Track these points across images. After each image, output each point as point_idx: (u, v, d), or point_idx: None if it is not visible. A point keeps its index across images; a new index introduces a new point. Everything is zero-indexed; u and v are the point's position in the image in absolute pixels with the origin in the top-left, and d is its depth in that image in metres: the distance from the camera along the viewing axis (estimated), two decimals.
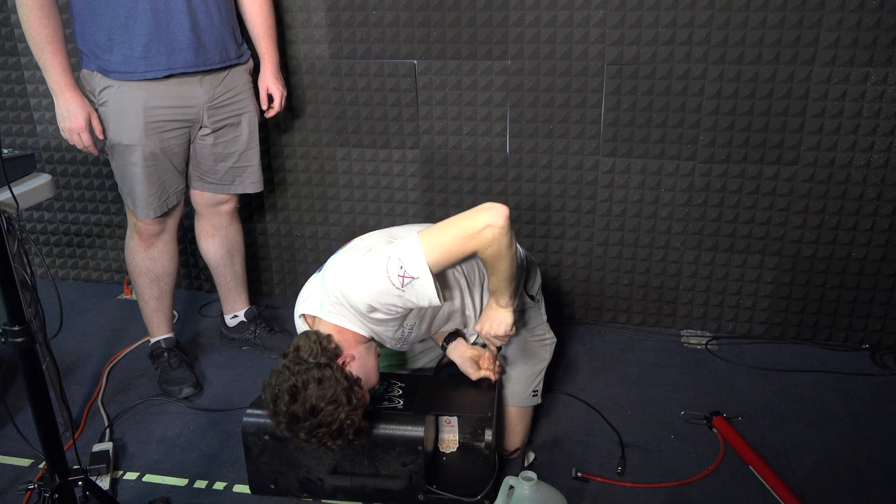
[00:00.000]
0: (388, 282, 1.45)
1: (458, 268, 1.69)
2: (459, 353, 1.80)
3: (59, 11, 1.84)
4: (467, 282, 1.72)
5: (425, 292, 1.46)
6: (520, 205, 2.41)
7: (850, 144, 2.10)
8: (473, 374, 1.79)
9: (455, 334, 1.82)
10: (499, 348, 1.75)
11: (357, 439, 1.50)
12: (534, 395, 1.88)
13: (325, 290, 1.57)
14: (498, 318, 1.64)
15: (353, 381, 1.47)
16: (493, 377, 1.77)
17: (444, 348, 1.83)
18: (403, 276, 1.44)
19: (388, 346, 1.68)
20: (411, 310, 1.55)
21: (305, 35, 2.36)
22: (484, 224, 1.46)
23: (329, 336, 1.52)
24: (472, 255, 1.52)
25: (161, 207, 2.05)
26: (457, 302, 1.72)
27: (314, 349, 1.47)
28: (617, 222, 2.37)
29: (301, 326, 1.66)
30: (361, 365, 1.52)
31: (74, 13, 1.89)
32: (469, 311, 1.78)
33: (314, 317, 1.60)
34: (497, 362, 1.80)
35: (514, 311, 1.65)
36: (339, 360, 1.49)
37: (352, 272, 1.50)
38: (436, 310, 1.67)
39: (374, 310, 1.49)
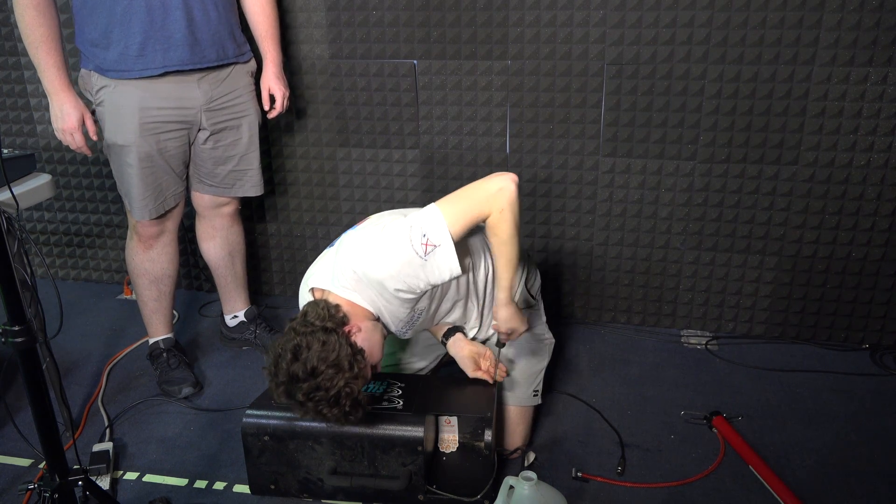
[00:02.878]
0: (411, 251, 1.47)
1: (467, 259, 1.70)
2: (459, 348, 1.80)
3: (57, 11, 1.84)
4: (472, 273, 1.73)
5: (447, 261, 1.49)
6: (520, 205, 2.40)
7: (850, 144, 2.10)
8: (471, 372, 1.79)
9: (454, 329, 1.82)
10: (501, 346, 1.75)
11: (353, 412, 1.47)
12: (534, 395, 1.88)
13: (339, 265, 1.56)
14: (510, 313, 1.65)
15: (357, 351, 1.47)
16: (489, 379, 1.77)
17: (443, 343, 1.83)
18: (426, 245, 1.47)
19: (392, 329, 1.66)
20: (430, 289, 1.55)
21: (305, 35, 2.37)
22: (497, 187, 1.52)
23: (338, 305, 1.52)
24: (483, 221, 1.55)
25: (157, 209, 2.04)
26: (462, 290, 1.73)
27: (322, 314, 1.48)
28: (617, 222, 2.37)
29: (308, 299, 1.64)
30: (367, 338, 1.52)
31: (73, 12, 1.89)
32: (471, 304, 1.78)
33: (323, 290, 1.59)
34: (501, 365, 1.79)
35: (513, 302, 1.66)
36: (346, 328, 1.48)
37: (374, 246, 1.52)
38: (444, 292, 1.68)
39: (395, 284, 1.50)
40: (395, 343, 2.07)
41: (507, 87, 2.27)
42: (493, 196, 1.52)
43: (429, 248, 1.48)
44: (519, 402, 1.85)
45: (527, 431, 1.88)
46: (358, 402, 1.47)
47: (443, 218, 1.49)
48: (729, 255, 2.32)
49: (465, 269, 1.67)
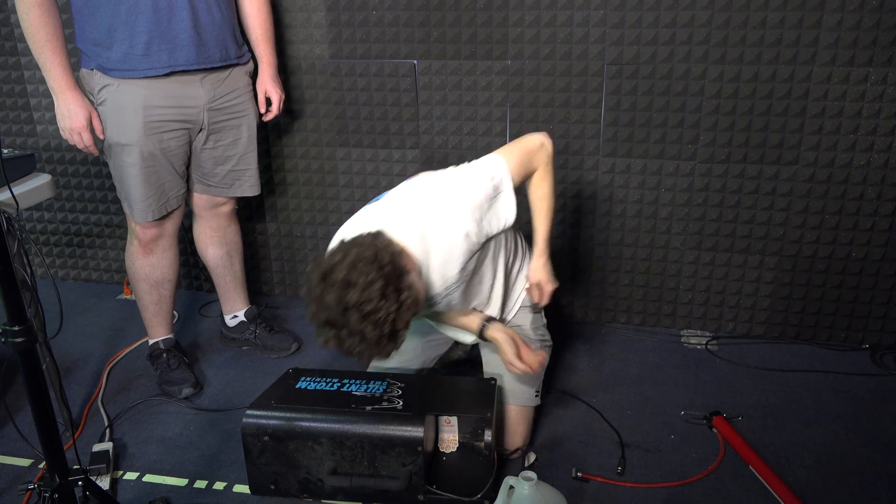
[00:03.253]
0: (482, 194, 1.56)
1: (492, 248, 1.73)
2: (499, 330, 1.74)
3: (59, 10, 1.84)
4: (493, 264, 1.78)
5: (508, 207, 1.60)
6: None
7: (850, 144, 2.09)
8: (510, 357, 1.71)
9: (491, 318, 1.80)
10: (536, 311, 1.89)
11: (389, 343, 1.37)
12: (536, 395, 1.88)
13: (397, 210, 1.55)
14: (542, 264, 1.80)
15: (408, 286, 1.39)
16: (527, 370, 1.71)
17: (482, 332, 1.77)
18: (495, 187, 1.58)
19: (433, 292, 1.62)
20: (485, 241, 1.62)
21: (305, 35, 2.37)
22: (539, 142, 1.68)
23: (397, 243, 1.46)
24: (532, 173, 1.69)
25: (160, 210, 2.04)
26: (486, 281, 1.78)
27: (382, 242, 1.41)
28: (617, 222, 2.37)
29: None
30: (416, 282, 1.44)
31: (74, 11, 1.89)
32: (496, 285, 1.82)
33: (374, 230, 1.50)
34: (541, 352, 1.75)
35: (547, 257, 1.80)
36: (402, 263, 1.41)
37: (444, 189, 1.58)
38: (480, 263, 1.72)
39: (466, 226, 1.54)
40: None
41: (507, 87, 2.27)
42: (539, 150, 1.67)
43: (495, 192, 1.58)
44: (520, 401, 1.85)
45: (527, 431, 1.88)
46: (396, 333, 1.38)
47: (506, 165, 1.60)
48: (729, 255, 2.32)
49: (479, 273, 1.74)
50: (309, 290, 1.38)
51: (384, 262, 1.35)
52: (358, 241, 1.40)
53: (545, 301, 1.84)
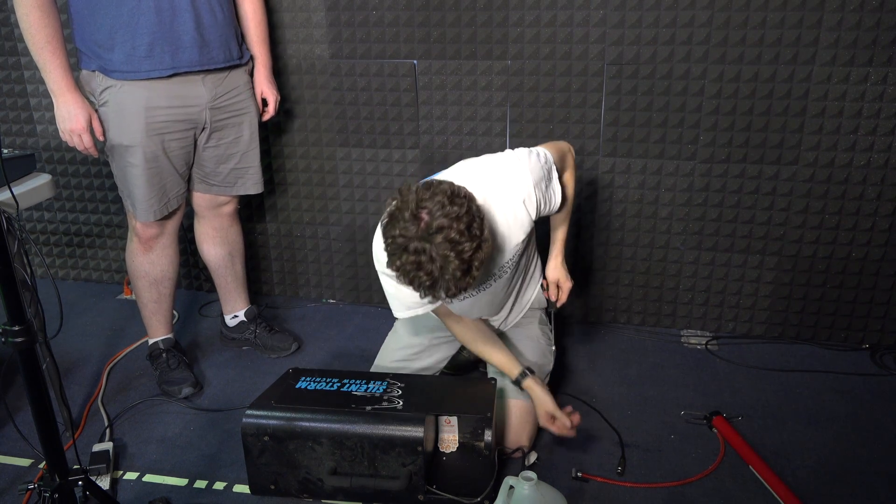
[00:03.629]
0: (539, 171, 1.66)
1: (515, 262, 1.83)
2: (541, 390, 1.78)
3: (58, 11, 1.84)
4: (515, 275, 1.89)
5: (558, 190, 1.73)
6: None
7: (850, 144, 2.09)
8: (543, 422, 1.77)
9: (529, 371, 1.81)
10: (553, 310, 2.03)
11: (463, 278, 1.39)
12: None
13: (459, 179, 1.53)
14: (559, 264, 1.96)
15: (488, 233, 1.46)
16: (564, 434, 1.75)
17: (518, 382, 1.81)
18: (549, 169, 1.70)
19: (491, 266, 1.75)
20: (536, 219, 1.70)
21: (305, 35, 2.37)
22: (568, 146, 1.85)
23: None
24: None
25: (161, 210, 2.04)
26: (514, 287, 1.94)
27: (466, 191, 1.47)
28: (617, 222, 2.37)
29: None
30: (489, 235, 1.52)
31: (73, 12, 1.89)
32: (511, 287, 1.93)
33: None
34: (575, 415, 1.76)
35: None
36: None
37: (508, 162, 1.66)
38: (519, 263, 1.85)
39: (531, 195, 1.63)
40: (397, 342, 2.07)
41: (507, 87, 2.27)
42: (568, 154, 1.83)
43: (549, 175, 1.69)
44: (524, 396, 1.84)
45: (532, 430, 1.87)
46: (470, 269, 1.39)
47: (551, 156, 1.72)
48: (729, 255, 2.32)
49: (509, 282, 1.88)
50: (393, 217, 1.39)
51: (473, 202, 1.43)
52: (444, 184, 1.42)
53: (563, 299, 1.96)
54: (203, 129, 2.03)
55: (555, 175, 1.72)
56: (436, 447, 1.76)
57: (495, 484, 1.63)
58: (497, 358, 1.84)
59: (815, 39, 2.01)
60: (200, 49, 1.92)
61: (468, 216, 1.38)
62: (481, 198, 1.52)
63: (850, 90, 2.04)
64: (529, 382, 1.79)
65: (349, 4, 2.29)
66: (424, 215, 1.37)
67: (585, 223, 2.39)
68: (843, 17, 1.97)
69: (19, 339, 1.28)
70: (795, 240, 2.24)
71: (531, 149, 1.70)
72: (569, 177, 1.84)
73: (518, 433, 1.84)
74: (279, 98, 2.21)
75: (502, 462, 1.77)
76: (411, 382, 1.83)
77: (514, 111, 2.30)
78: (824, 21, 1.99)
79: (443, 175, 1.65)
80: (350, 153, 2.50)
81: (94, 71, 1.91)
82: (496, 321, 2.02)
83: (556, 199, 1.73)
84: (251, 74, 2.14)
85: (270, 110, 2.19)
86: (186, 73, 1.93)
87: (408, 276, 1.39)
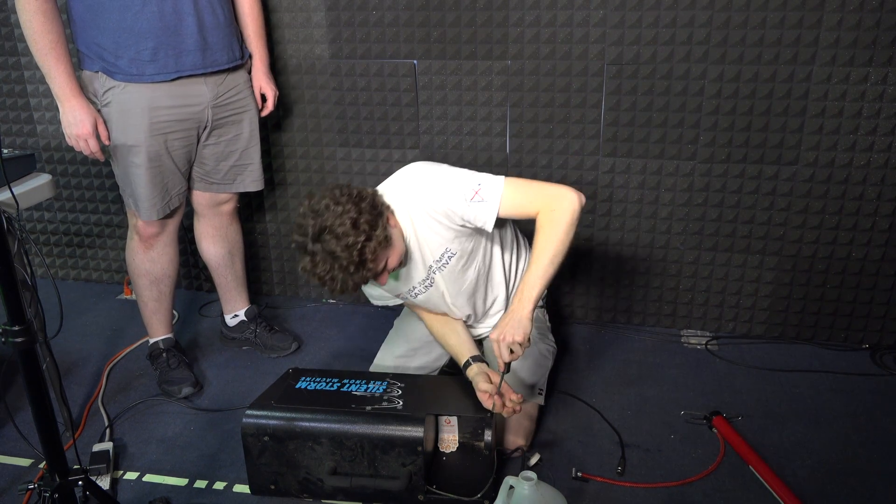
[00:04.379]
0: (461, 192, 1.62)
1: (503, 256, 1.83)
2: (479, 371, 1.76)
3: (60, 14, 1.84)
4: (505, 273, 1.84)
5: (487, 214, 1.61)
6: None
7: (850, 144, 2.09)
8: (481, 385, 1.71)
9: (478, 359, 1.80)
10: (505, 371, 1.64)
11: (355, 273, 1.54)
12: (539, 393, 1.88)
13: (395, 179, 1.72)
14: (517, 321, 1.58)
15: (387, 233, 1.59)
16: (491, 402, 1.66)
17: (467, 364, 1.80)
18: (476, 193, 1.61)
19: (417, 267, 1.76)
20: (466, 226, 1.67)
21: (305, 35, 2.36)
22: (564, 194, 1.63)
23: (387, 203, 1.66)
24: (533, 216, 1.64)
25: (164, 209, 2.04)
26: (486, 265, 1.85)
27: (372, 193, 1.64)
28: (617, 222, 2.37)
29: None
30: (393, 236, 1.62)
31: (75, 15, 1.88)
32: (497, 286, 1.88)
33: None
34: (512, 395, 1.67)
35: (533, 321, 1.61)
36: (386, 215, 1.63)
37: (434, 174, 1.67)
38: (470, 261, 1.79)
39: (440, 206, 1.63)
40: (397, 338, 2.07)
41: (507, 87, 2.27)
42: (557, 197, 1.62)
43: (476, 197, 1.61)
44: (525, 395, 1.83)
45: (531, 429, 1.87)
46: (362, 264, 1.54)
47: (503, 186, 1.61)
48: (729, 255, 2.32)
49: (485, 270, 1.81)
50: (296, 223, 1.58)
51: (363, 198, 1.56)
52: (336, 186, 1.60)
53: (504, 357, 1.61)
54: (205, 127, 2.04)
55: (487, 200, 1.61)
56: (436, 447, 1.76)
57: (495, 484, 1.63)
58: (451, 342, 1.88)
59: (815, 39, 2.01)
60: (203, 52, 1.93)
61: (355, 211, 1.52)
62: (398, 199, 1.67)
63: (850, 90, 2.04)
64: (470, 370, 1.77)
65: (349, 4, 2.29)
66: (310, 220, 1.54)
67: (585, 223, 2.39)
68: (843, 16, 1.97)
69: (19, 339, 1.28)
70: (795, 240, 2.24)
71: (484, 176, 1.65)
72: (543, 223, 1.62)
73: (516, 434, 1.84)
74: (277, 93, 2.21)
75: (502, 462, 1.77)
76: (411, 382, 1.83)
77: (513, 111, 2.30)
78: (824, 21, 1.99)
79: (385, 183, 1.75)
80: (350, 153, 2.50)
81: (96, 72, 1.91)
82: (476, 325, 2.02)
83: (484, 217, 1.62)
84: (249, 72, 2.14)
85: (269, 105, 2.19)
86: (189, 77, 1.93)
87: (310, 276, 1.55)
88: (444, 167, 1.70)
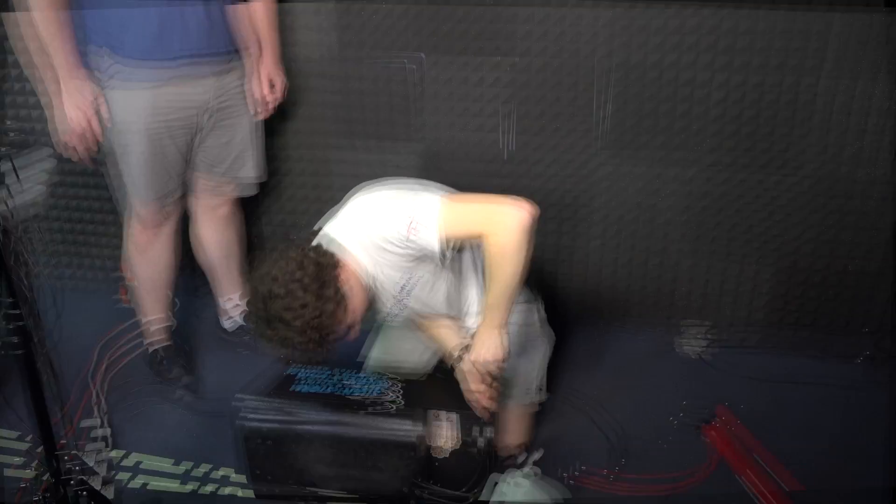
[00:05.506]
0: (399, 227, 1.49)
1: (471, 253, 1.70)
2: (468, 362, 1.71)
3: (56, 18, 1.80)
4: (476, 272, 1.72)
5: (428, 242, 1.48)
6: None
7: (854, 152, 2.09)
8: (473, 385, 1.69)
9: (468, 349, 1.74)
10: (494, 379, 1.64)
11: (316, 348, 1.46)
12: (538, 392, 1.87)
13: (344, 219, 1.60)
14: (490, 342, 1.57)
15: (340, 293, 1.48)
16: (482, 404, 1.66)
17: (454, 363, 1.76)
18: (410, 225, 1.48)
19: (386, 295, 1.64)
20: (417, 258, 1.55)
21: (307, 24, 2.31)
22: (506, 213, 1.46)
23: (332, 253, 1.53)
24: (479, 239, 1.51)
25: (156, 207, 2.04)
26: (462, 283, 1.73)
27: (317, 250, 1.51)
28: (615, 225, 2.36)
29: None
30: (352, 289, 1.51)
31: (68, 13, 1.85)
32: (471, 287, 1.76)
33: (324, 234, 1.60)
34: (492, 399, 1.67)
35: (508, 333, 1.59)
36: (336, 271, 1.50)
37: (372, 206, 1.56)
38: (438, 278, 1.66)
39: (384, 240, 1.52)
40: (389, 341, 2.07)
41: (512, 84, 2.23)
42: (498, 221, 1.46)
43: (412, 231, 1.48)
44: (514, 400, 1.84)
45: (525, 430, 1.87)
46: (323, 338, 1.45)
47: (438, 211, 1.48)
48: (725, 264, 2.32)
49: (452, 273, 1.68)
50: (248, 297, 1.50)
51: (304, 266, 1.45)
52: (289, 256, 1.48)
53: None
54: (205, 115, 2.02)
55: (424, 237, 1.49)
56: (435, 445, 1.77)
57: (492, 481, 1.63)
58: (437, 333, 1.82)
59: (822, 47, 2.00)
60: (208, 35, 1.92)
61: (300, 290, 1.42)
62: (349, 240, 1.55)
63: (856, 104, 2.03)
64: (461, 366, 1.72)
65: None
66: (260, 303, 1.45)
67: (583, 226, 2.39)
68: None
69: (18, 352, 1.28)
70: (792, 251, 2.24)
71: (418, 206, 1.52)
72: (491, 249, 1.50)
73: (510, 435, 1.84)
74: (287, 84, 2.18)
75: (500, 460, 1.77)
76: (410, 381, 1.83)
77: (517, 109, 2.25)
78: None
79: (334, 220, 1.63)
80: (351, 144, 2.45)
81: (101, 47, 1.88)
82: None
83: (419, 247, 1.51)
84: (243, 74, 2.11)
85: (278, 95, 2.16)
86: (181, 71, 1.91)
87: (271, 346, 1.49)
88: (384, 196, 1.58)
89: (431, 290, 1.68)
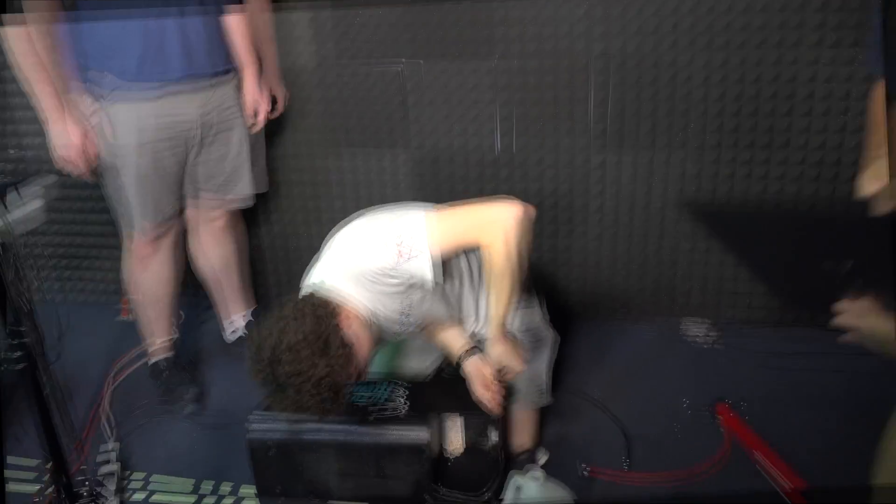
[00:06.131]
0: (386, 253, 1.43)
1: (465, 260, 1.66)
2: (475, 363, 1.72)
3: (49, 35, 1.82)
4: (471, 276, 1.69)
5: (421, 267, 1.43)
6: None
7: (841, 126, 2.09)
8: (478, 389, 1.70)
9: (475, 350, 1.75)
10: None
11: (333, 403, 1.41)
12: (540, 395, 1.86)
13: (332, 260, 1.54)
14: (503, 350, 1.61)
15: (345, 342, 1.42)
16: (493, 405, 1.67)
17: (458, 364, 1.76)
18: (400, 249, 1.42)
19: (388, 325, 1.59)
20: (411, 285, 1.50)
21: (294, 35, 2.34)
22: (499, 216, 1.43)
23: (328, 301, 1.46)
24: (476, 246, 1.49)
25: (156, 224, 2.04)
26: (457, 291, 1.69)
27: (314, 302, 1.45)
28: (612, 216, 2.37)
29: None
30: (356, 334, 1.46)
31: (64, 29, 1.88)
32: (468, 302, 1.73)
33: (317, 283, 1.53)
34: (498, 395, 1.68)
35: (508, 338, 1.61)
36: (336, 320, 1.43)
37: (358, 242, 1.50)
38: (437, 292, 1.62)
39: (376, 274, 1.46)
40: (393, 345, 2.06)
41: (497, 86, 2.26)
42: (489, 224, 1.44)
43: (403, 252, 1.43)
44: (521, 404, 1.83)
45: (533, 432, 1.86)
46: (338, 393, 1.40)
47: (425, 229, 1.44)
48: (725, 243, 2.32)
49: (448, 284, 1.63)
50: (255, 358, 1.41)
51: (306, 327, 1.38)
52: (285, 315, 1.42)
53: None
54: (194, 143, 2.03)
55: (416, 257, 1.44)
56: (442, 448, 1.76)
57: (502, 483, 1.63)
58: (440, 338, 1.79)
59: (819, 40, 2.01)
60: (189, 64, 1.92)
61: (307, 352, 1.36)
62: (341, 281, 1.49)
63: (854, 90, 2.03)
64: (467, 365, 1.72)
65: (342, 3, 2.28)
66: (268, 371, 1.38)
67: (579, 217, 2.39)
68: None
69: (19, 366, 1.28)
70: (791, 225, 2.24)
71: (403, 225, 1.47)
72: (489, 253, 1.48)
73: (518, 437, 1.84)
74: (288, 95, 2.20)
75: (509, 461, 1.77)
76: (416, 385, 1.83)
77: (504, 110, 2.28)
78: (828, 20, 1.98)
79: (320, 264, 1.58)
80: (344, 154, 2.47)
81: (85, 83, 1.90)
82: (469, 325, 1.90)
83: (421, 274, 1.46)
84: (238, 86, 2.13)
85: (279, 108, 2.18)
86: (176, 87, 1.93)
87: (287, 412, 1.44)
88: (365, 226, 1.54)
89: (432, 306, 1.66)
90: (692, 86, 2.14)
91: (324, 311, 1.42)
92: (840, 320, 1.37)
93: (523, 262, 1.47)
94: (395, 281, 1.48)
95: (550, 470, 1.73)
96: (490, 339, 1.60)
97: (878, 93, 1.16)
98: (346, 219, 1.61)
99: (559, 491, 1.54)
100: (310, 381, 1.36)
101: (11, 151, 2.72)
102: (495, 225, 1.43)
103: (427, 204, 1.58)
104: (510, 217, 1.42)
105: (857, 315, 1.32)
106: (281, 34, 2.35)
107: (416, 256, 1.42)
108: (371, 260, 1.45)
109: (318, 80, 2.39)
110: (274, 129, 2.49)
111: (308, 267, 1.65)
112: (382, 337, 1.62)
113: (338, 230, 1.59)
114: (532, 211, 1.44)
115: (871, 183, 1.00)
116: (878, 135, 1.12)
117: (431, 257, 1.42)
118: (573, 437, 1.94)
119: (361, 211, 1.62)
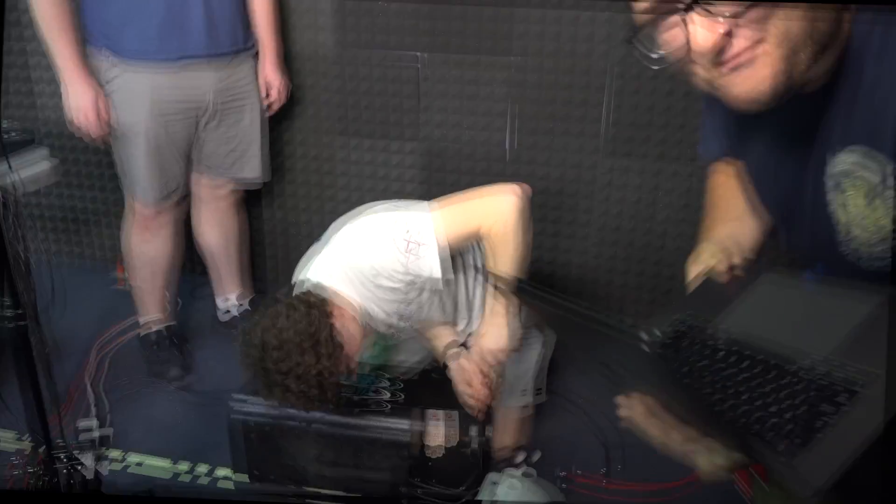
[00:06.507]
0: (394, 247, 1.44)
1: (461, 259, 1.65)
2: (460, 358, 1.69)
3: None
4: (465, 277, 1.68)
5: (429, 261, 1.43)
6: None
7: None
8: (461, 387, 1.67)
9: (460, 350, 1.72)
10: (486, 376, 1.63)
11: (322, 397, 1.44)
12: (523, 395, 1.86)
13: (329, 256, 1.53)
14: (496, 331, 1.55)
15: (336, 338, 1.43)
16: (476, 403, 1.64)
17: (446, 356, 1.74)
18: (409, 242, 1.43)
19: (382, 326, 1.60)
20: (415, 282, 1.50)
21: (309, 21, 2.33)
22: (498, 201, 1.46)
23: (323, 298, 1.47)
24: (479, 234, 1.49)
25: (162, 194, 2.05)
26: (452, 292, 1.68)
27: (306, 298, 1.45)
28: (613, 223, 2.37)
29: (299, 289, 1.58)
30: (348, 330, 1.47)
31: None
32: (461, 303, 1.72)
33: (312, 280, 1.53)
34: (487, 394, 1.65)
35: (514, 318, 1.56)
36: (328, 316, 1.44)
37: (360, 238, 1.50)
38: (435, 293, 1.61)
39: (379, 278, 1.46)
40: (384, 340, 2.06)
41: (511, 83, 2.25)
42: (491, 210, 1.46)
43: (411, 246, 1.44)
44: (507, 401, 1.83)
45: (518, 432, 1.86)
46: (327, 387, 1.43)
47: (431, 219, 1.45)
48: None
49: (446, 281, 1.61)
50: (246, 351, 1.45)
51: (298, 327, 1.40)
52: (279, 311, 1.43)
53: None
54: (205, 113, 2.02)
55: (424, 245, 1.46)
56: (427, 442, 1.77)
57: (479, 478, 1.63)
58: (429, 335, 1.77)
59: None
60: (209, 34, 1.91)
61: (296, 352, 1.39)
62: (348, 278, 1.49)
63: None
64: (451, 362, 1.70)
65: None
66: (259, 369, 1.42)
67: (582, 222, 2.39)
68: None
69: (20, 323, 1.28)
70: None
71: (407, 217, 1.49)
72: (491, 238, 1.50)
73: (502, 436, 1.84)
74: (289, 85, 2.18)
75: (493, 459, 1.77)
76: (404, 378, 1.83)
77: (516, 107, 2.28)
78: None
79: (318, 259, 1.56)
80: (351, 142, 2.47)
81: (101, 48, 1.89)
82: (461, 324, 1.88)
83: (420, 268, 1.47)
84: (255, 59, 2.12)
85: (273, 97, 2.16)
86: (193, 59, 1.91)
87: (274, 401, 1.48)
88: (368, 222, 1.53)
89: (430, 307, 1.66)
90: (698, 93, 2.12)
91: (318, 310, 1.43)
92: (620, 413, 1.41)
93: (527, 243, 1.49)
94: (398, 280, 1.48)
95: (529, 474, 1.74)
96: (486, 314, 1.57)
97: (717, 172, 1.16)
98: (348, 214, 1.61)
99: (538, 491, 1.54)
100: (299, 379, 1.39)
101: (14, 129, 2.70)
102: (497, 208, 1.46)
103: (425, 203, 1.58)
104: (511, 199, 1.45)
105: (632, 411, 1.36)
106: (294, 22, 2.33)
107: (424, 252, 1.43)
108: (375, 258, 1.45)
109: (329, 69, 2.37)
110: (283, 116, 2.48)
111: (304, 257, 1.64)
112: (375, 337, 1.62)
113: (339, 225, 1.58)
114: (528, 189, 1.47)
115: (694, 267, 1.00)
116: (709, 217, 1.13)
117: (440, 250, 1.43)
118: (560, 441, 1.94)
119: (362, 207, 1.62)
